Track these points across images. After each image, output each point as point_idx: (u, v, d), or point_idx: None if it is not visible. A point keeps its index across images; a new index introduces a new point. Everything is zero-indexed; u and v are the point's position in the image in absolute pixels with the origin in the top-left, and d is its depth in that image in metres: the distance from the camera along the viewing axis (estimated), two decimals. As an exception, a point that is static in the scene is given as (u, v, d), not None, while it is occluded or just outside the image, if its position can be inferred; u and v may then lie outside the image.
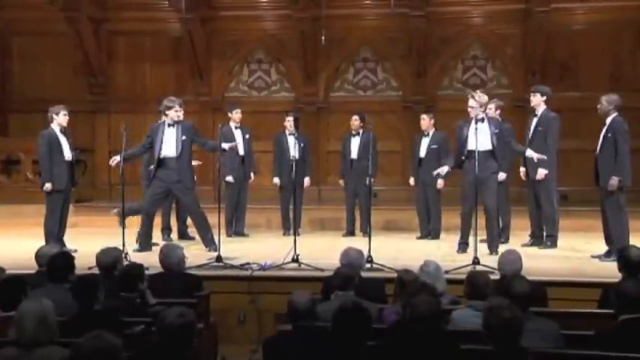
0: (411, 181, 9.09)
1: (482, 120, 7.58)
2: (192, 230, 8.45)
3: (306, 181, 9.26)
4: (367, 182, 8.77)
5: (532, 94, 8.11)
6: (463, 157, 7.65)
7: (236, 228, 9.09)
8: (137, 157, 8.37)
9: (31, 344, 3.46)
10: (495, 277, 5.20)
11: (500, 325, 3.58)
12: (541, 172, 7.79)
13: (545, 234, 8.06)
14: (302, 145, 9.13)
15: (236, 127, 9.01)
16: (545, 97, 7.98)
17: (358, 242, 7.05)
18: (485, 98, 7.75)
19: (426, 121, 8.95)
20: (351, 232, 9.20)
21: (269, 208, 9.76)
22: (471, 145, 7.49)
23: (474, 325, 4.22)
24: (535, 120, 8.00)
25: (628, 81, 11.12)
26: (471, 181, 7.43)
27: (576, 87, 11.27)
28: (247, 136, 9.05)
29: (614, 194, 7.19)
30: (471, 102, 7.65)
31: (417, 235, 9.02)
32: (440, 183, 8.78)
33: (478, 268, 6.49)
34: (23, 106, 12.01)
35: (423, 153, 8.91)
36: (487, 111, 7.85)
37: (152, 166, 7.94)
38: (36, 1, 11.64)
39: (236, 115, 9.08)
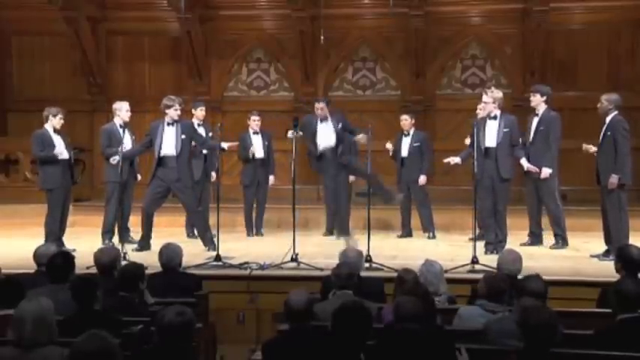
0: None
1: (495, 117, 7.60)
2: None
3: (271, 179, 9.19)
4: (349, 181, 8.92)
5: (532, 94, 8.10)
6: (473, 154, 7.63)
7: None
8: (137, 155, 8.40)
9: (30, 344, 3.46)
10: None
11: (538, 324, 3.57)
12: (545, 172, 7.77)
13: (554, 234, 8.02)
14: (266, 143, 9.13)
15: (199, 125, 8.86)
16: (545, 97, 7.96)
17: (357, 241, 7.04)
18: (499, 94, 7.76)
19: (407, 122, 8.98)
20: (330, 231, 9.14)
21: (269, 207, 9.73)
22: (486, 142, 7.52)
23: (480, 323, 4.23)
24: (536, 120, 7.98)
25: (626, 80, 11.12)
26: (487, 178, 7.49)
27: (575, 86, 11.27)
28: (210, 134, 8.84)
29: (615, 193, 7.19)
30: (485, 98, 7.68)
31: (398, 234, 9.03)
32: (422, 180, 8.79)
33: (477, 267, 6.52)
34: (22, 105, 12.01)
35: (405, 152, 8.93)
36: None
37: (113, 159, 7.84)
38: (34, 0, 11.63)
39: (200, 112, 8.98)
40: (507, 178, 7.67)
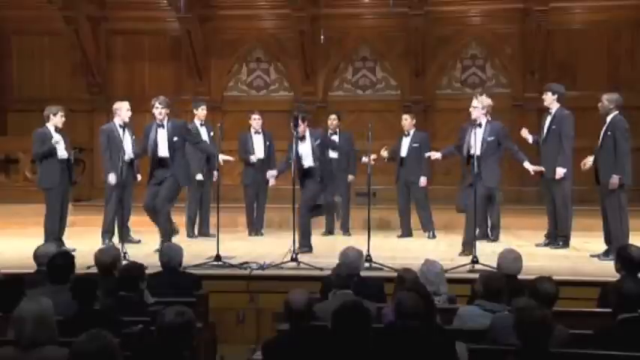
0: None
1: (480, 125, 7.57)
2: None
3: (273, 179, 9.18)
4: (348, 180, 8.87)
5: (544, 92, 8.02)
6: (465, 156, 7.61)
7: (201, 229, 8.95)
8: (140, 157, 8.39)
9: (30, 344, 3.45)
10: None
11: (532, 324, 3.57)
12: (559, 172, 7.71)
13: (558, 234, 8.00)
14: (267, 143, 9.12)
15: (201, 124, 8.88)
16: (556, 96, 7.87)
17: (357, 241, 7.04)
18: (487, 101, 7.76)
19: (408, 122, 8.98)
20: (330, 231, 9.14)
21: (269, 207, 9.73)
22: (471, 150, 7.51)
23: (479, 323, 4.23)
24: (549, 119, 7.91)
25: (626, 80, 11.12)
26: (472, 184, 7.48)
27: (575, 86, 11.24)
28: (212, 134, 8.84)
29: (615, 193, 7.18)
30: (474, 102, 7.66)
31: (398, 234, 9.03)
32: (422, 181, 8.79)
33: (477, 267, 6.51)
34: (22, 105, 12.00)
35: (404, 152, 8.91)
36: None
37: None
38: (34, 0, 11.63)
39: (201, 112, 8.98)
40: (490, 187, 7.68)
